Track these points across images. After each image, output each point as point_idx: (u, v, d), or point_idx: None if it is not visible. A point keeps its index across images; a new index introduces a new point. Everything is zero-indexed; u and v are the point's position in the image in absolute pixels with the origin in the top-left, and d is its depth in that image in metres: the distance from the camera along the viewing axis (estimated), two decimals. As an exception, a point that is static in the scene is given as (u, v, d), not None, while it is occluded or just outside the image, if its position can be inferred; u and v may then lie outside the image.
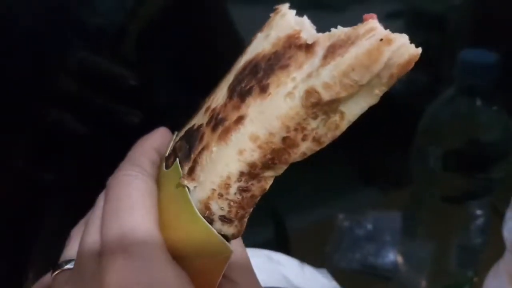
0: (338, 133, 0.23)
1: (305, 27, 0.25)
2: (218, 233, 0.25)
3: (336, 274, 0.52)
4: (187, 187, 0.25)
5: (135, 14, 0.48)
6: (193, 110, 0.29)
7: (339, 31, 0.22)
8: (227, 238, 0.25)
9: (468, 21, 0.56)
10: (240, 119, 0.24)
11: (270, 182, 0.25)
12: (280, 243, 0.66)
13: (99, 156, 0.48)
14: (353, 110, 0.23)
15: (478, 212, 0.60)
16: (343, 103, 0.22)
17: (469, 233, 0.61)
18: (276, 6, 0.27)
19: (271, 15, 0.27)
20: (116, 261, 0.24)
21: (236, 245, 0.27)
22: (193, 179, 0.25)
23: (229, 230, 0.25)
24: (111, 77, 0.47)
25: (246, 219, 0.26)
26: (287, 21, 0.25)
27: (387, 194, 0.70)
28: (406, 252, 0.67)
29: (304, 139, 0.23)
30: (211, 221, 0.25)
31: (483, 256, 0.62)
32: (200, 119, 0.27)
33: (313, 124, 0.23)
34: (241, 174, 0.24)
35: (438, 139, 0.58)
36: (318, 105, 0.22)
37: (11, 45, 0.43)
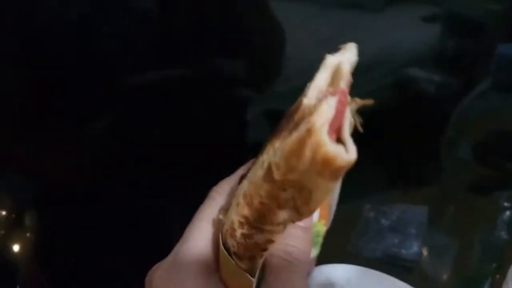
0: (312, 207, 0.22)
1: (339, 79, 0.24)
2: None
3: (359, 262, 0.55)
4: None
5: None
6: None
7: (311, 102, 0.22)
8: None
9: (504, 26, 0.57)
10: (245, 175, 0.26)
11: (278, 235, 0.25)
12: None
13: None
14: (318, 189, 0.21)
15: (506, 204, 0.62)
16: (307, 181, 0.21)
17: (495, 227, 0.63)
18: (340, 46, 0.26)
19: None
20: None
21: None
22: (225, 215, 0.28)
23: (241, 264, 0.28)
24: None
25: (258, 260, 0.27)
26: (317, 77, 0.24)
27: (414, 189, 0.72)
28: (430, 244, 0.69)
29: (280, 207, 0.23)
30: (230, 254, 0.28)
31: (507, 251, 0.64)
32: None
33: (284, 195, 0.22)
34: (240, 223, 0.25)
35: (470, 130, 0.60)
36: (274, 182, 0.22)
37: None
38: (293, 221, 0.24)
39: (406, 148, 0.66)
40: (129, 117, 0.54)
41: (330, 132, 0.19)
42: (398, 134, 0.59)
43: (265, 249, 0.27)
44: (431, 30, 0.57)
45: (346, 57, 0.25)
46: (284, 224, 0.24)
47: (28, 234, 0.62)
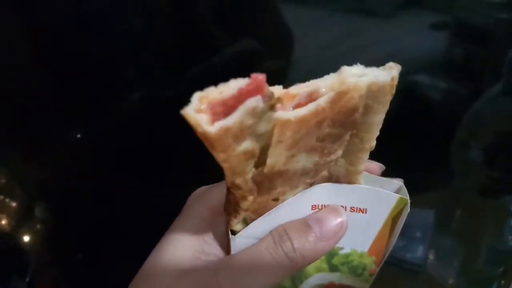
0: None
1: None
2: None
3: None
4: None
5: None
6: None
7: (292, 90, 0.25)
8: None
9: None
10: None
11: (240, 200, 0.27)
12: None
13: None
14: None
15: (513, 209, 0.63)
16: None
17: (502, 231, 0.64)
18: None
19: None
20: None
21: None
22: None
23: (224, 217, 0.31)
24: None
25: (232, 219, 0.29)
26: (325, 77, 0.26)
27: (421, 193, 0.73)
28: (437, 248, 0.70)
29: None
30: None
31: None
32: None
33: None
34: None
35: (481, 133, 0.61)
36: None
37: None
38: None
39: (413, 153, 0.67)
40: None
41: (218, 104, 0.22)
42: (405, 138, 0.60)
43: (236, 211, 0.28)
44: (440, 37, 0.58)
45: (373, 74, 0.24)
46: (240, 188, 0.26)
47: (38, 226, 0.64)
